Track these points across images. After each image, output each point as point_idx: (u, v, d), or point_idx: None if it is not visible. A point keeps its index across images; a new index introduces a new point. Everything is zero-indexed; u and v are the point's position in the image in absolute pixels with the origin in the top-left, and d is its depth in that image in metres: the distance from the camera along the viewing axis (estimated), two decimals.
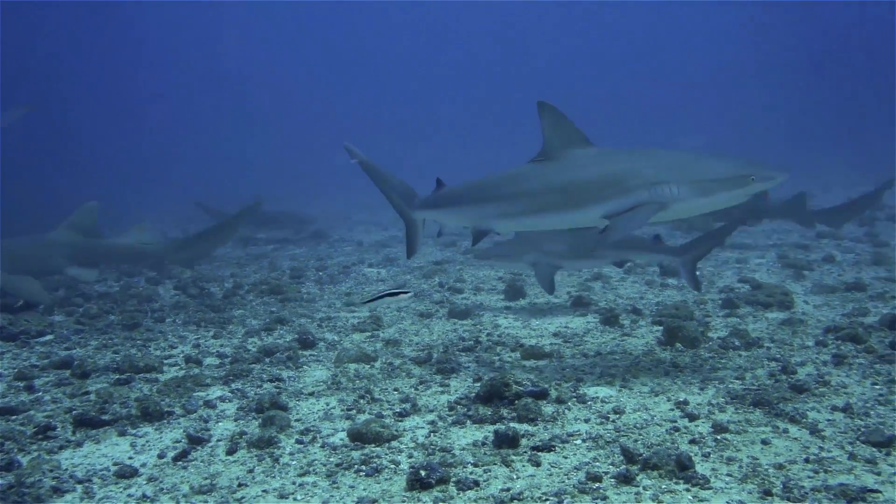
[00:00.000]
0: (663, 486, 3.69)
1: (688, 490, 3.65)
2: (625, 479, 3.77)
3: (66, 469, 4.19)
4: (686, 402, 4.93)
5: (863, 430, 4.32)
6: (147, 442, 4.62)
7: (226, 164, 50.18)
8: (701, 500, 3.54)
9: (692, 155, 5.73)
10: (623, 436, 4.39)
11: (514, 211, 5.99)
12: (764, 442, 4.23)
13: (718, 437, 4.32)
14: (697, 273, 7.66)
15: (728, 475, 3.81)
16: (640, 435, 4.41)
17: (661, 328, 6.93)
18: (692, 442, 4.28)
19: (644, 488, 3.69)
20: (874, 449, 4.07)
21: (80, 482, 4.01)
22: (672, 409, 4.84)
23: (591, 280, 10.14)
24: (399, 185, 6.96)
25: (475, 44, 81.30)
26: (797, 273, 9.88)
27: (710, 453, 4.11)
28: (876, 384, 5.19)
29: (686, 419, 4.66)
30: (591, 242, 7.77)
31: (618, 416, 4.77)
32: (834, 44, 62.25)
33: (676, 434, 4.41)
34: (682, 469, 3.81)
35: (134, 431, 4.80)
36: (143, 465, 4.25)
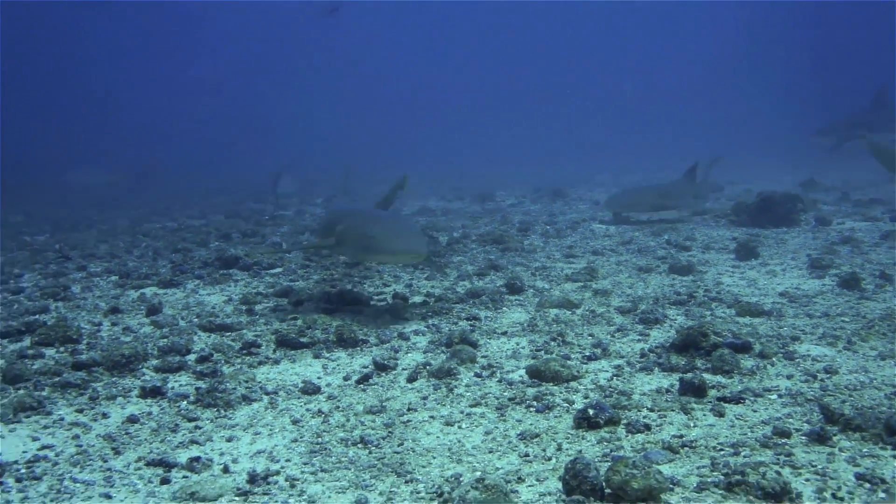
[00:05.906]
0: (864, 450, 3.21)
1: (895, 457, 3.15)
2: (818, 438, 3.32)
3: (260, 382, 4.53)
4: None
5: None
6: (337, 365, 4.86)
7: None
8: None
9: None
10: (829, 395, 3.88)
11: None
12: None
13: None
14: None
15: None
16: (849, 396, 3.87)
17: None
18: None
19: (841, 450, 3.23)
20: None
21: (267, 394, 4.30)
22: None
23: (839, 244, 9.14)
24: None
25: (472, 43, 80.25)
26: None
27: None
28: None
29: None
30: None
31: (829, 375, 4.24)
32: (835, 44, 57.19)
33: None
34: (891, 434, 3.29)
35: (328, 355, 5.07)
36: (328, 385, 4.47)
